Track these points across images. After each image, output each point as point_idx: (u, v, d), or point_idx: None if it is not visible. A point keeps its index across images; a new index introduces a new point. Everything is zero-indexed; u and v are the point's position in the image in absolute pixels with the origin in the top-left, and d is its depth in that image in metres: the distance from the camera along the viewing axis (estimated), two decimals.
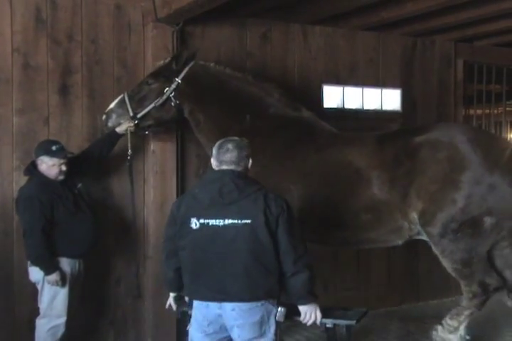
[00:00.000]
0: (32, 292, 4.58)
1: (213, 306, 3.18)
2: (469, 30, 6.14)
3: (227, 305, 3.14)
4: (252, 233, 3.10)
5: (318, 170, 4.31)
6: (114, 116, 4.53)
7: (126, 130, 4.51)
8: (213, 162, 3.30)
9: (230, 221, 3.11)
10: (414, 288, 6.30)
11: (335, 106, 5.93)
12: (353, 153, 4.27)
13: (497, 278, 4.19)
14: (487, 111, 7.22)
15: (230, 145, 3.24)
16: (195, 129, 4.69)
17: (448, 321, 4.29)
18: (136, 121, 4.47)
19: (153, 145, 4.95)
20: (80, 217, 4.20)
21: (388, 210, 4.14)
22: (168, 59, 4.60)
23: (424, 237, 4.27)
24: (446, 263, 4.17)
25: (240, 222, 3.10)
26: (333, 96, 5.92)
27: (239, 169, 3.23)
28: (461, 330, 4.28)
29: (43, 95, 4.67)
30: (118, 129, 4.52)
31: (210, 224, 3.13)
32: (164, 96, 4.47)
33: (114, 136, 4.56)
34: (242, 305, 3.13)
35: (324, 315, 3.49)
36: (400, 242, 4.36)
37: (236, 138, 3.34)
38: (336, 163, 4.30)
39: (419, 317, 5.80)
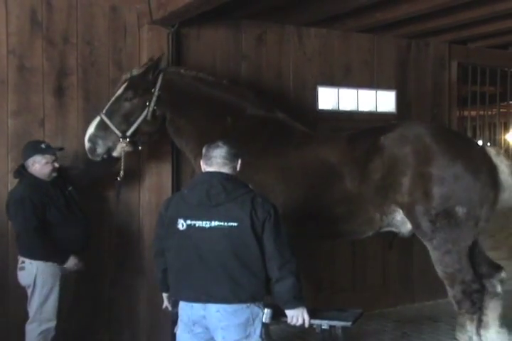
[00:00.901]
0: (26, 294, 4.58)
1: (198, 307, 3.17)
2: (463, 32, 6.17)
3: (212, 307, 3.13)
4: (238, 236, 3.11)
5: (297, 166, 4.46)
6: (100, 141, 4.37)
7: (122, 152, 4.41)
8: (202, 162, 3.29)
9: (217, 223, 3.11)
10: (409, 289, 6.31)
11: (330, 107, 5.95)
12: (328, 151, 4.48)
13: (475, 278, 4.25)
14: (481, 112, 7.27)
15: (219, 143, 3.27)
16: (173, 134, 4.64)
17: (460, 335, 4.43)
18: (127, 139, 4.37)
19: (148, 147, 4.95)
20: (71, 219, 4.18)
21: (359, 203, 4.34)
22: (136, 70, 4.50)
23: (393, 228, 4.49)
24: (437, 257, 4.25)
25: (226, 224, 3.11)
26: (328, 98, 5.94)
27: (228, 171, 3.23)
28: (493, 327, 4.34)
29: (38, 97, 4.67)
30: (115, 154, 4.43)
31: (197, 225, 3.13)
32: (150, 109, 4.40)
33: (112, 160, 4.49)
34: (227, 306, 3.12)
35: (319, 317, 3.50)
36: (370, 234, 4.54)
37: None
38: (313, 160, 4.47)
39: (414, 318, 5.84)
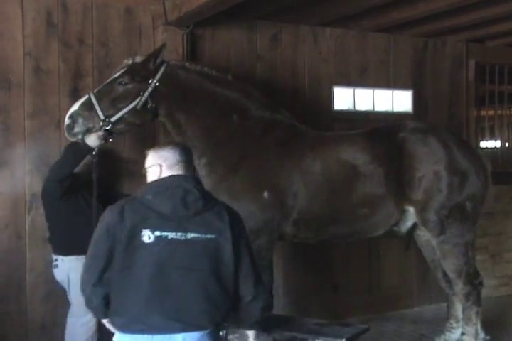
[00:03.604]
0: (44, 295, 4.62)
1: (159, 339, 2.62)
2: (481, 30, 6.11)
3: (178, 336, 2.62)
4: (216, 249, 2.70)
5: (315, 168, 4.38)
6: (80, 120, 4.08)
7: (99, 141, 4.07)
8: (161, 166, 2.78)
9: (193, 235, 2.67)
10: (426, 290, 6.26)
11: (346, 108, 5.92)
12: (347, 151, 4.45)
13: (477, 271, 4.57)
14: (499, 112, 7.17)
15: (180, 145, 2.89)
16: (174, 132, 4.39)
17: (467, 328, 4.49)
18: (109, 125, 4.08)
19: (161, 145, 4.94)
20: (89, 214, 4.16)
21: (384, 202, 4.40)
22: (139, 57, 4.28)
23: (396, 228, 4.63)
24: (448, 251, 4.43)
25: (204, 236, 2.69)
26: (343, 98, 5.91)
27: (189, 174, 2.82)
28: (481, 333, 4.49)
29: (54, 99, 4.70)
30: (90, 142, 4.06)
31: (169, 237, 2.64)
32: (143, 99, 4.14)
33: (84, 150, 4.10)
34: (195, 334, 2.65)
35: (316, 331, 3.43)
36: (381, 232, 4.60)
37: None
38: (332, 160, 4.41)
39: (431, 319, 5.78)
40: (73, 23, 4.77)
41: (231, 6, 4.45)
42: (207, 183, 4.37)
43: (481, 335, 4.48)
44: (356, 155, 4.40)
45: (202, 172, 4.42)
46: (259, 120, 4.44)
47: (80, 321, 4.16)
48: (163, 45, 4.31)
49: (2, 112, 4.56)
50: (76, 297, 4.07)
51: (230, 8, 4.53)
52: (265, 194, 4.24)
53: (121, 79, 4.17)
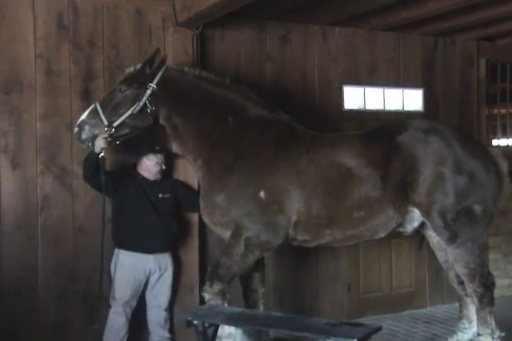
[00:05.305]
0: (56, 295, 4.65)
1: None
2: (491, 28, 6.08)
3: None
4: None
5: (312, 169, 4.33)
6: (87, 127, 4.32)
7: (102, 149, 4.32)
8: None
9: None
10: (439, 290, 6.23)
11: (356, 107, 5.92)
12: (343, 153, 4.36)
13: (489, 271, 4.42)
14: (511, 110, 7.13)
15: None
16: (172, 134, 4.51)
17: (482, 329, 4.40)
18: (112, 130, 4.28)
19: (174, 147, 4.97)
20: (148, 218, 4.55)
21: (381, 206, 4.27)
22: (139, 65, 4.40)
23: (402, 229, 4.49)
24: (459, 255, 4.29)
25: None
26: (353, 98, 5.91)
27: None
28: (497, 332, 4.38)
29: (65, 100, 4.73)
30: (95, 148, 4.34)
31: None
32: (141, 103, 4.30)
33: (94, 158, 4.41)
34: None
35: (326, 331, 3.41)
36: (382, 235, 4.47)
37: None
38: (328, 162, 4.35)
39: (444, 319, 5.76)
40: (84, 25, 4.80)
41: (240, 7, 4.46)
42: (203, 184, 4.43)
43: (497, 333, 4.38)
44: (351, 158, 4.30)
45: (199, 173, 4.49)
46: (255, 121, 4.45)
47: (112, 309, 4.55)
48: (157, 50, 4.41)
49: (14, 114, 4.60)
50: (115, 288, 4.53)
51: (239, 9, 4.53)
52: (261, 193, 4.22)
53: (120, 87, 4.36)
